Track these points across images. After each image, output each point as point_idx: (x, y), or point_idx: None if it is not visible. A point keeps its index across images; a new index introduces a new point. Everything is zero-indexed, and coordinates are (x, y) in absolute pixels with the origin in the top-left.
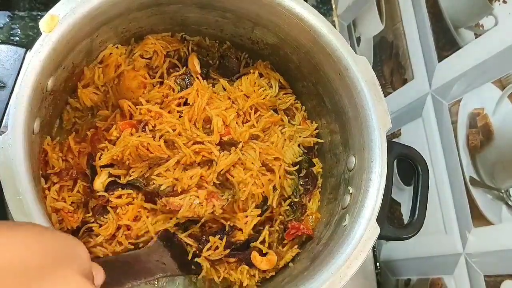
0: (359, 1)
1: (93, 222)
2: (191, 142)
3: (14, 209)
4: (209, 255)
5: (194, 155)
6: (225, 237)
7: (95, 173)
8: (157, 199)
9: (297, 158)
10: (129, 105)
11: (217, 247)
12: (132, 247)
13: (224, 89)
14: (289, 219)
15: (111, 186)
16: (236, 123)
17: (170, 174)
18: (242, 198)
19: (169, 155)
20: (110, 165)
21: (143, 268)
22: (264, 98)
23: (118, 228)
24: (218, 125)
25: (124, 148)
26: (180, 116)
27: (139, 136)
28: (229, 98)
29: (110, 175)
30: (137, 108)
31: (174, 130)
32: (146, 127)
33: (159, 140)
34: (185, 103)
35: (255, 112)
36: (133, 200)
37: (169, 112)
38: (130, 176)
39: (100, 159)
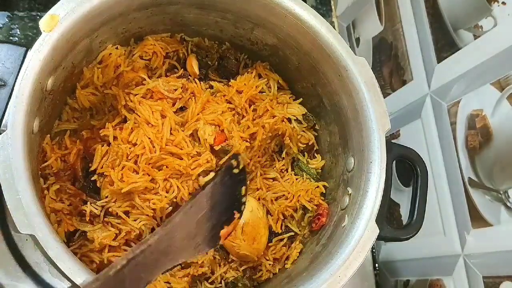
0: (358, 2)
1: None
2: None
3: (13, 208)
4: None
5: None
6: None
7: (89, 177)
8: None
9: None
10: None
11: None
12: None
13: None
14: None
15: None
16: (233, 128)
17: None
18: None
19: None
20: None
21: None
22: (256, 87)
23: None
24: (205, 136)
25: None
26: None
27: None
28: (227, 100)
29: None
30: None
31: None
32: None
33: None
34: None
35: (250, 106)
36: None
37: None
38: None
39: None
